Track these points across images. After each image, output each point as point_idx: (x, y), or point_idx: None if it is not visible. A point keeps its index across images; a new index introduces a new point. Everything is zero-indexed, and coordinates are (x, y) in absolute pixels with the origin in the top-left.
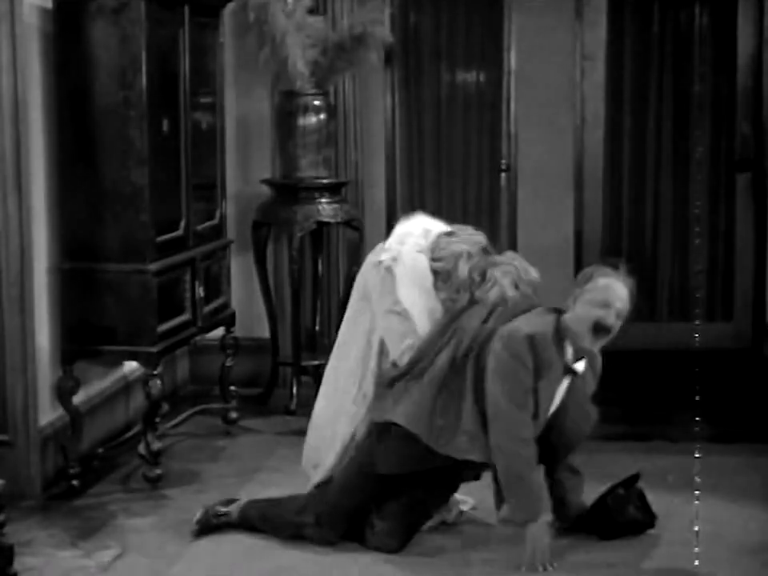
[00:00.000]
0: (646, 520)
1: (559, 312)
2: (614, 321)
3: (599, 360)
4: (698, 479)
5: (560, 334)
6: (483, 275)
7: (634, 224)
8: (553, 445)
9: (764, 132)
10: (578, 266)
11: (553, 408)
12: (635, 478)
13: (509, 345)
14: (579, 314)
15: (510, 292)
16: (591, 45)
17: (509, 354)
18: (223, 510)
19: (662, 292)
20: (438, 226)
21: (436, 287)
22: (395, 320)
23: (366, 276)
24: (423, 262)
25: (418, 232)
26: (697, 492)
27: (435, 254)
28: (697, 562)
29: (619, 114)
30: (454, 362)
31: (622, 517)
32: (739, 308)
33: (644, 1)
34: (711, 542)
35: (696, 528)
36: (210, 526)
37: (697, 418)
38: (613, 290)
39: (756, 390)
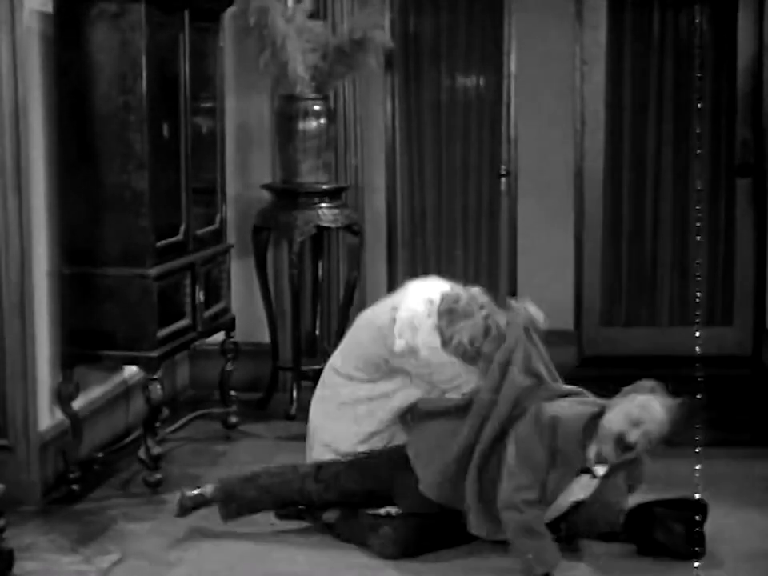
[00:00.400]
0: (681, 550)
1: (602, 410)
2: (637, 439)
3: (643, 469)
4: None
5: (590, 431)
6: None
7: (634, 228)
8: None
9: (764, 137)
10: (578, 270)
11: (569, 500)
12: (696, 504)
13: (537, 417)
14: (611, 419)
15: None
16: (591, 48)
17: (533, 424)
18: (195, 491)
19: (662, 297)
20: (439, 292)
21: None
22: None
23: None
24: (437, 350)
25: (422, 308)
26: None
27: (445, 342)
28: (696, 564)
29: (619, 118)
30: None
31: (660, 536)
32: (739, 313)
33: (644, 4)
34: (712, 548)
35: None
36: (186, 509)
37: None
38: (648, 410)
39: (756, 395)
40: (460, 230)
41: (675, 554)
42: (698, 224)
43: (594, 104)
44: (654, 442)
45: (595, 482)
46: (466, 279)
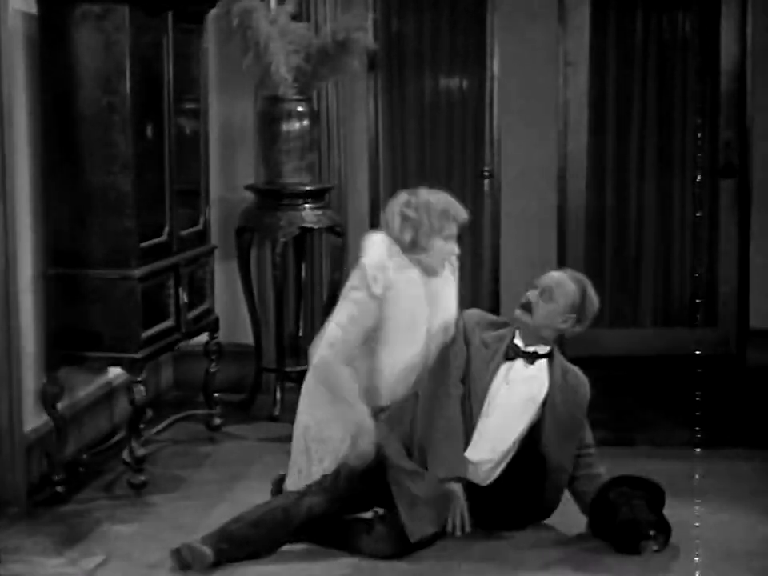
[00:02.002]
0: (651, 520)
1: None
2: (535, 299)
3: (585, 387)
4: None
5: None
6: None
7: (617, 229)
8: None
9: (748, 138)
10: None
11: (513, 398)
12: (653, 486)
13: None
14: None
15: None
16: (574, 50)
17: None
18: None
19: (646, 298)
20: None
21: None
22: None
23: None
24: (413, 278)
25: (385, 252)
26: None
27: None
28: (698, 574)
29: (602, 120)
30: None
31: (624, 514)
32: (723, 314)
33: (627, 6)
34: (697, 548)
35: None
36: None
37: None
38: (551, 275)
39: (740, 396)
40: None
41: (643, 529)
42: (682, 225)
43: (577, 105)
44: (551, 304)
45: (538, 369)
46: None
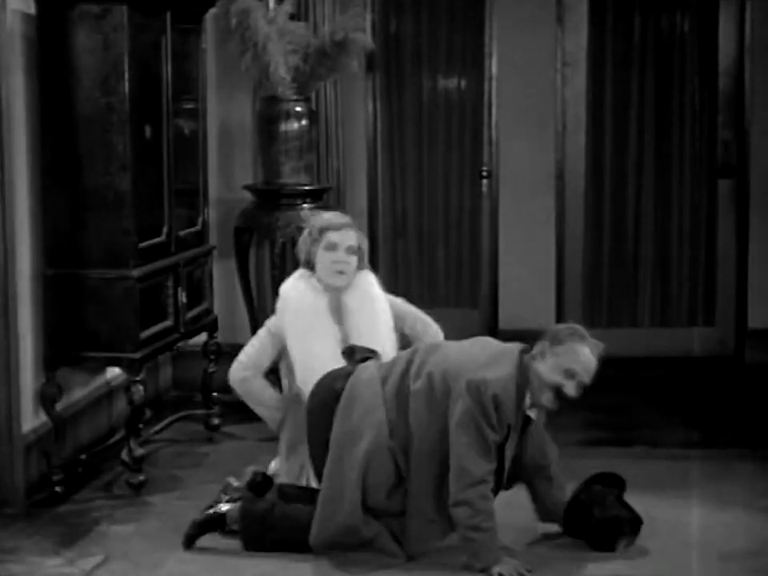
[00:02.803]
0: (627, 517)
1: (520, 355)
2: (573, 393)
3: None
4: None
5: (522, 383)
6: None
7: (615, 229)
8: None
9: (746, 138)
10: (560, 271)
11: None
12: (616, 479)
13: (479, 397)
14: (545, 373)
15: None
16: (572, 51)
17: (478, 409)
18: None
19: (644, 298)
20: None
21: (316, 276)
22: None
23: None
24: (296, 285)
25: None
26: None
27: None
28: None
29: (601, 120)
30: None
31: (599, 513)
32: (721, 313)
33: (625, 7)
34: (696, 549)
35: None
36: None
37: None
38: (583, 362)
39: (738, 396)
40: (441, 231)
41: (619, 526)
42: (680, 225)
43: (575, 106)
44: (585, 387)
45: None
46: (447, 280)
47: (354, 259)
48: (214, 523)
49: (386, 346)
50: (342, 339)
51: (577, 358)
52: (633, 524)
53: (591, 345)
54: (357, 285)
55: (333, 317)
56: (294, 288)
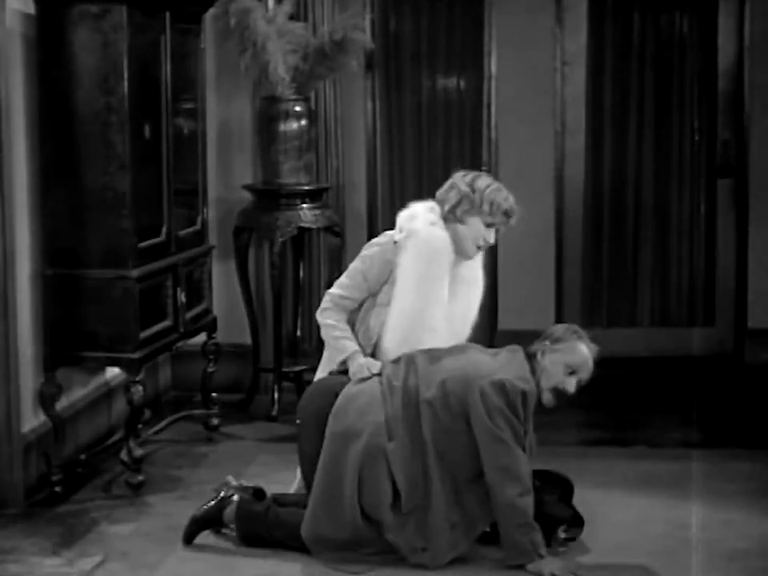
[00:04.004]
0: (563, 516)
1: (528, 357)
2: (572, 389)
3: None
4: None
5: (537, 380)
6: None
7: (614, 229)
8: None
9: (745, 138)
10: (559, 271)
11: None
12: (562, 479)
13: (506, 395)
14: (548, 370)
15: None
16: (572, 50)
17: (505, 403)
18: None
19: (643, 298)
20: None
21: (457, 232)
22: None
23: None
24: (439, 234)
25: (423, 209)
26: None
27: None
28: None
29: (600, 120)
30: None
31: (537, 509)
32: (721, 313)
33: (624, 7)
34: (696, 549)
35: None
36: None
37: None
38: (583, 359)
39: (738, 396)
40: None
41: (554, 523)
42: (679, 225)
43: (574, 106)
44: (583, 385)
45: None
46: None
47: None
48: (213, 520)
49: (467, 333)
50: (446, 304)
51: (578, 354)
52: (571, 523)
53: (589, 344)
54: (474, 259)
55: (448, 276)
56: (430, 227)
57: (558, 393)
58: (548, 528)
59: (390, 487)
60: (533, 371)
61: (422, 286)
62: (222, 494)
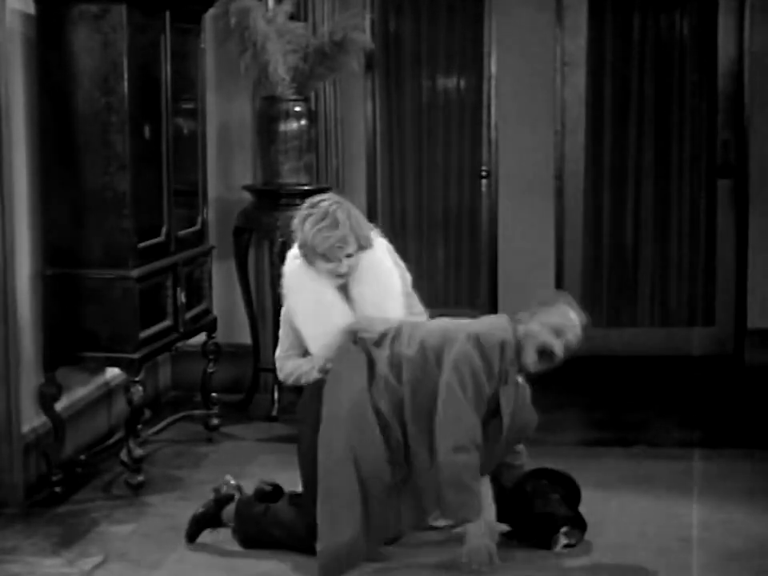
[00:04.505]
0: (566, 516)
1: (509, 317)
2: (560, 351)
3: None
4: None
5: (517, 339)
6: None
7: (614, 229)
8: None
9: (745, 138)
10: (559, 271)
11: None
12: (570, 482)
13: (480, 346)
14: (532, 330)
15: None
16: (572, 51)
17: (479, 355)
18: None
19: (644, 298)
20: None
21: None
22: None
23: None
24: (298, 265)
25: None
26: None
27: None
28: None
29: (600, 120)
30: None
31: (540, 507)
32: (721, 313)
33: (624, 7)
34: (696, 548)
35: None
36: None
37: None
38: (571, 321)
39: (738, 396)
40: (440, 230)
41: (556, 523)
42: (680, 225)
43: (574, 106)
44: (571, 350)
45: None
46: (446, 280)
47: (352, 259)
48: (211, 519)
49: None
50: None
51: (565, 317)
52: (573, 525)
53: (577, 310)
54: (360, 268)
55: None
56: (295, 266)
57: (545, 356)
58: (550, 527)
59: (384, 452)
60: (516, 333)
61: (310, 308)
62: (222, 492)
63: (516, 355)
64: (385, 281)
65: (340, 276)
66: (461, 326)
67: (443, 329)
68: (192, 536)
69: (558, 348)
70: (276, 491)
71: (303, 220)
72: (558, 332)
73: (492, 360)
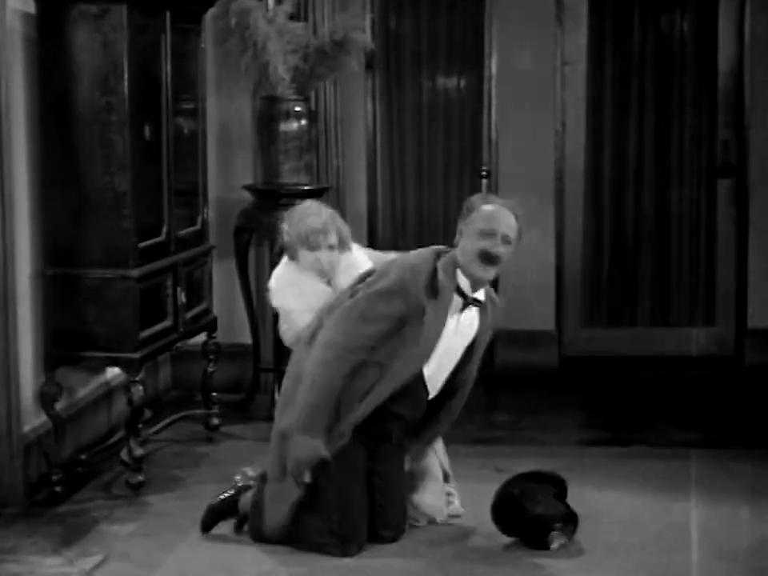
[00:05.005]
0: (558, 513)
1: (434, 250)
2: (500, 248)
3: (497, 303)
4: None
5: (452, 267)
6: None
7: (614, 229)
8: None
9: (745, 137)
10: (559, 271)
11: (456, 343)
12: (555, 479)
13: (386, 273)
14: (465, 247)
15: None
16: (572, 50)
17: (381, 280)
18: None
19: (644, 298)
20: None
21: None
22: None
23: None
24: (285, 262)
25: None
26: None
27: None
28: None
29: (600, 120)
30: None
31: (531, 509)
32: (721, 313)
33: (625, 7)
34: (696, 548)
35: None
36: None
37: None
38: (496, 218)
39: (738, 396)
40: (441, 230)
41: (549, 523)
42: (680, 225)
43: (574, 106)
44: (513, 244)
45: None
46: None
47: (334, 255)
48: (228, 510)
49: None
50: None
51: (488, 216)
52: (566, 520)
53: (502, 203)
54: (342, 268)
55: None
56: (283, 272)
57: (487, 259)
58: (542, 528)
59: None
60: (443, 259)
61: (297, 300)
62: (240, 484)
63: (464, 271)
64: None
65: (322, 271)
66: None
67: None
68: (207, 527)
69: (497, 248)
70: None
71: (289, 215)
72: (488, 234)
73: (402, 281)
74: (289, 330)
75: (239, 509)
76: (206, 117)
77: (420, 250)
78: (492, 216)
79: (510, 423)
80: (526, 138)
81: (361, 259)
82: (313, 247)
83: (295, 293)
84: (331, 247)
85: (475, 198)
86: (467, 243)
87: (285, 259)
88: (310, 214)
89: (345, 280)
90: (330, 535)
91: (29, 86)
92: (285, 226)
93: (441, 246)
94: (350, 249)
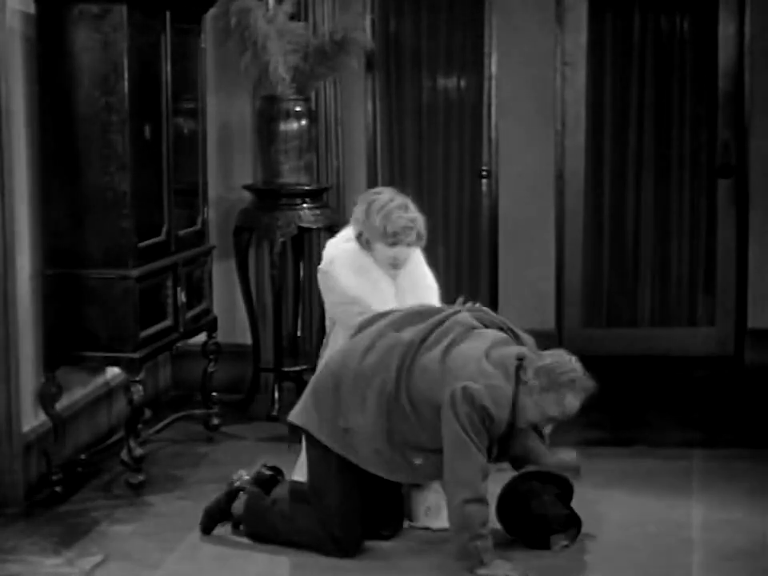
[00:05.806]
0: (561, 514)
1: (516, 372)
2: (547, 430)
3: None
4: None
5: (514, 401)
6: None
7: (614, 229)
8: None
9: (745, 138)
10: (559, 271)
11: None
12: (562, 480)
13: (469, 402)
14: (528, 411)
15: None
16: (572, 50)
17: (468, 414)
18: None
19: (644, 298)
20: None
21: (372, 255)
22: (347, 307)
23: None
24: (352, 246)
25: (340, 239)
26: None
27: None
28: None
29: (600, 120)
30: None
31: (535, 507)
32: (721, 313)
33: (625, 6)
34: (696, 549)
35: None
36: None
37: None
38: (566, 411)
39: (738, 396)
40: (441, 230)
41: (553, 523)
42: (680, 225)
43: (574, 105)
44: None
45: None
46: (446, 279)
47: (411, 250)
48: (222, 512)
49: None
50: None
51: (562, 408)
52: (569, 523)
53: (580, 391)
54: (408, 265)
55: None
56: (348, 248)
57: (550, 419)
58: (546, 528)
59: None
60: (515, 397)
61: (358, 275)
62: (235, 485)
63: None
64: (430, 281)
65: (395, 266)
66: (468, 366)
67: (453, 356)
68: (206, 529)
69: (546, 428)
70: (273, 476)
71: (369, 204)
72: (550, 420)
73: (482, 417)
74: (353, 315)
75: (232, 512)
76: (206, 117)
77: (503, 366)
78: (569, 411)
79: None
80: (527, 139)
81: (422, 262)
82: (394, 243)
83: (364, 278)
84: (410, 245)
85: (565, 377)
86: (531, 410)
87: (344, 242)
88: (396, 208)
89: (407, 281)
90: (329, 537)
91: (28, 86)
92: (361, 215)
93: (516, 374)
94: (422, 244)
